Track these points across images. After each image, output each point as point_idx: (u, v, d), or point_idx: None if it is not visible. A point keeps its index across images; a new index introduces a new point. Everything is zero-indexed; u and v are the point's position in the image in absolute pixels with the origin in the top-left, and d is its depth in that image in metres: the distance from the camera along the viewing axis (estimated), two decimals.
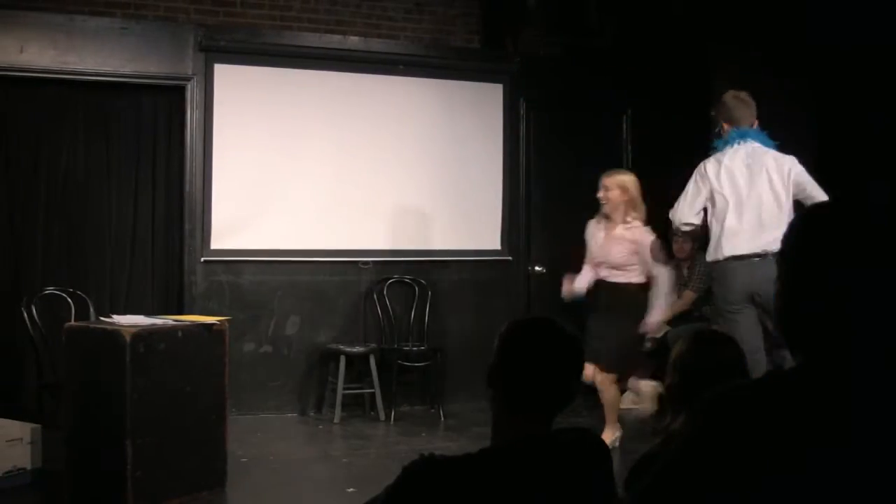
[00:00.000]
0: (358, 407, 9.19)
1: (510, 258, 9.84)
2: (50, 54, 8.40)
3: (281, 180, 9.06)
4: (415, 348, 9.26)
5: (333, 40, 9.40)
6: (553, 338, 2.74)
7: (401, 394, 9.28)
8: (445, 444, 7.97)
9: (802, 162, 6.79)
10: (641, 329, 7.71)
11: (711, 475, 1.86)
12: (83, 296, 8.00)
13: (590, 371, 7.29)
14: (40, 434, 6.67)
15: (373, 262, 9.39)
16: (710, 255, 6.96)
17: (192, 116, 8.84)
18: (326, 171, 9.20)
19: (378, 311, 9.36)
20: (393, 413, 8.99)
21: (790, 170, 6.72)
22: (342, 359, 8.85)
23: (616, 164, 10.22)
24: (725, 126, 6.99)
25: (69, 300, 7.96)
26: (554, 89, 10.06)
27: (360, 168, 9.29)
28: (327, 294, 9.26)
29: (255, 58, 9.04)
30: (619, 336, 7.57)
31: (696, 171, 7.03)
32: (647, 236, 7.65)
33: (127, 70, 8.66)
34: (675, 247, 9.59)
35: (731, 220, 6.74)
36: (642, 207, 7.74)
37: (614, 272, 7.73)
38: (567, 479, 2.63)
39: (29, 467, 6.55)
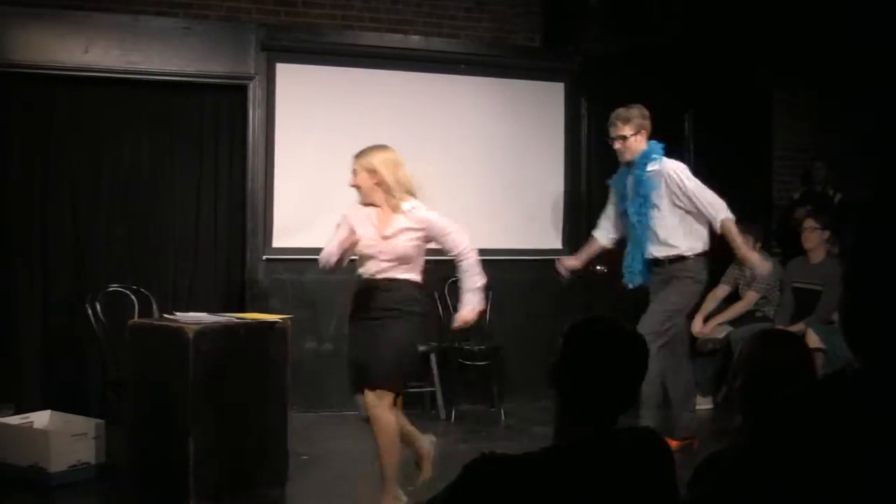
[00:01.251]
0: (418, 406, 9.18)
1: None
2: (114, 54, 8.48)
3: (342, 179, 8.99)
4: (476, 347, 9.24)
5: (394, 39, 9.41)
6: (616, 337, 2.73)
7: (461, 393, 9.28)
8: (506, 443, 7.94)
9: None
10: (456, 322, 6.39)
11: (776, 477, 1.84)
12: (146, 293, 8.05)
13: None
14: (104, 429, 6.73)
15: (434, 260, 9.37)
16: (703, 246, 7.60)
17: (254, 115, 8.89)
18: None
19: (439, 309, 9.35)
20: (453, 412, 8.99)
21: None
22: None
23: None
24: (645, 137, 7.75)
25: (133, 297, 8.02)
26: (615, 88, 9.98)
27: (422, 167, 9.24)
28: None
29: (316, 57, 9.07)
30: (396, 344, 5.96)
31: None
32: (433, 215, 6.40)
33: (190, 70, 8.72)
34: None
35: None
36: (410, 187, 6.46)
37: (396, 267, 6.21)
38: (629, 479, 2.62)
39: (93, 462, 6.61)
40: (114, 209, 8.74)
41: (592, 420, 2.68)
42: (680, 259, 7.55)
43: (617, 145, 7.75)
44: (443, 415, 8.95)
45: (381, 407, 5.85)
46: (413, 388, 8.88)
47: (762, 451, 1.88)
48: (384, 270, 6.14)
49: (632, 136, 7.67)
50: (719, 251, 9.52)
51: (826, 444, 1.77)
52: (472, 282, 6.34)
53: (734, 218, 7.43)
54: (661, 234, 7.55)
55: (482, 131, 9.43)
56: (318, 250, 8.90)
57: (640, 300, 9.46)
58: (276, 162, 8.91)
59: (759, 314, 9.37)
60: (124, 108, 8.78)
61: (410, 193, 6.41)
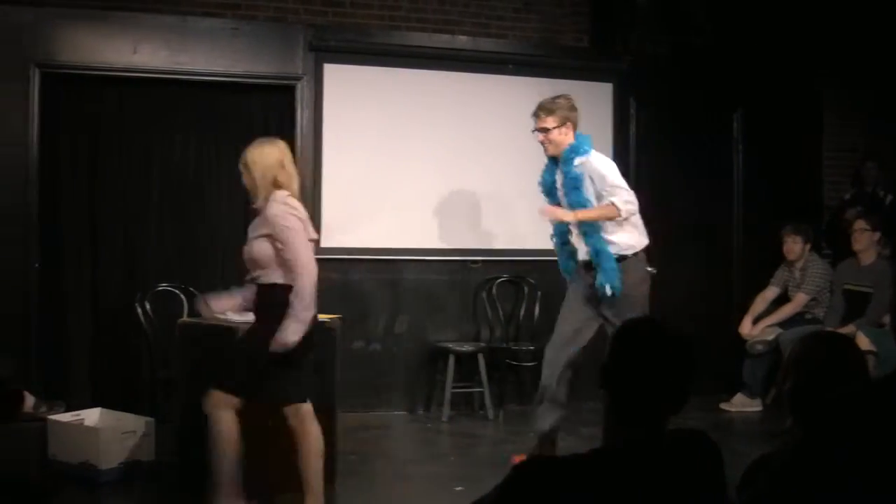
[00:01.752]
0: (466, 406, 9.19)
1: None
2: (162, 55, 8.53)
3: (390, 179, 9.09)
4: (523, 347, 9.23)
5: (442, 40, 9.41)
6: (665, 339, 2.71)
7: (509, 393, 9.28)
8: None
9: None
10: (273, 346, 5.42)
11: (828, 479, 1.83)
12: (196, 292, 8.09)
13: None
14: (154, 427, 6.78)
15: (482, 261, 9.38)
16: (639, 243, 7.03)
17: (301, 116, 8.91)
18: (435, 171, 9.22)
19: (487, 310, 9.35)
20: (501, 412, 8.98)
21: None
22: (451, 357, 8.86)
23: (726, 164, 10.16)
24: (572, 130, 7.15)
25: (182, 296, 8.07)
26: (664, 88, 9.96)
27: (469, 167, 9.28)
28: (436, 293, 9.28)
29: (364, 57, 9.08)
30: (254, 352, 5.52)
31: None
32: (275, 209, 5.57)
33: (238, 70, 8.76)
34: (784, 247, 9.45)
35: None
36: (289, 183, 5.75)
37: (260, 272, 5.63)
38: (679, 481, 2.61)
39: (143, 459, 6.66)
40: (162, 209, 8.80)
41: (643, 421, 2.67)
42: (620, 259, 6.88)
43: (539, 138, 7.16)
44: (491, 415, 8.93)
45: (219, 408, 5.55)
46: (460, 388, 8.88)
47: (814, 453, 1.86)
48: (250, 273, 5.72)
49: (555, 128, 7.04)
50: (770, 253, 9.50)
51: (878, 445, 1.75)
52: (295, 309, 5.41)
53: (620, 210, 6.68)
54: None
55: (530, 132, 9.41)
56: (366, 250, 9.01)
57: (690, 300, 9.45)
58: (324, 162, 8.94)
59: (808, 316, 9.29)
60: (172, 109, 8.83)
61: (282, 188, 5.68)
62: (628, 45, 9.98)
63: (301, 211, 5.63)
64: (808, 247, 9.38)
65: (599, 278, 6.82)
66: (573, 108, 7.16)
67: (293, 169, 5.81)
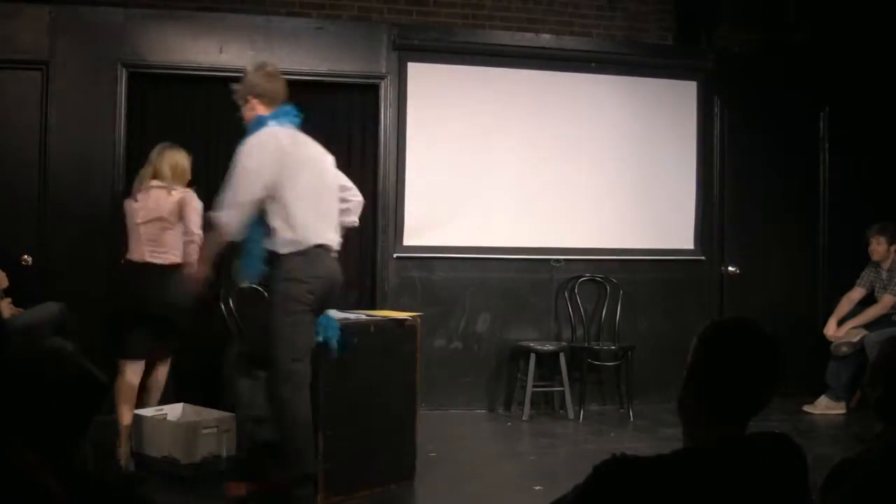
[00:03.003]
0: (547, 405, 9.17)
1: (703, 258, 9.68)
2: (248, 54, 8.59)
3: (473, 178, 9.09)
4: (605, 347, 9.19)
5: (526, 38, 9.40)
6: (753, 340, 2.68)
7: (590, 392, 9.23)
8: (634, 444, 7.88)
9: None
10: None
11: None
12: None
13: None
14: (234, 423, 6.83)
15: (564, 260, 9.36)
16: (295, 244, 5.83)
17: (385, 114, 8.95)
18: (518, 169, 9.22)
19: (569, 309, 9.32)
20: (582, 412, 8.94)
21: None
22: (532, 356, 8.84)
23: (812, 164, 10.05)
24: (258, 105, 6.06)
25: (265, 294, 8.11)
26: (749, 87, 9.86)
27: (552, 166, 9.27)
28: (518, 291, 9.27)
29: (447, 56, 9.11)
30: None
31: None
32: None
33: (322, 69, 8.82)
34: (870, 248, 9.32)
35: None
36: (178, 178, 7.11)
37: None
38: (761, 484, 2.58)
39: (224, 455, 6.72)
40: None
41: (725, 422, 2.65)
42: (276, 257, 5.87)
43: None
44: (571, 414, 8.90)
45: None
46: (541, 387, 8.87)
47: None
48: None
49: (244, 104, 6.11)
50: (857, 254, 9.37)
51: None
52: None
53: (217, 220, 5.85)
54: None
55: (614, 130, 9.38)
56: (448, 248, 9.03)
57: (775, 301, 9.37)
58: (408, 160, 8.97)
59: (895, 318, 9.14)
60: None
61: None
62: (713, 43, 9.90)
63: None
64: (893, 248, 9.23)
65: None
66: (267, 79, 6.16)
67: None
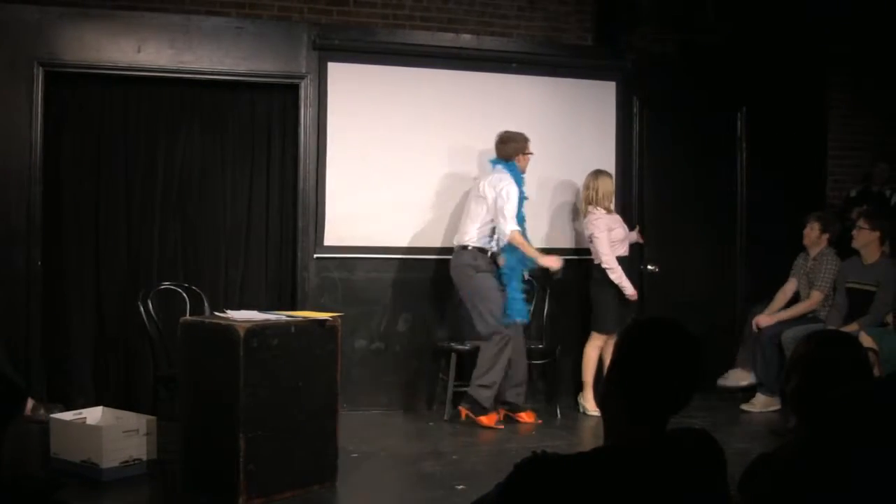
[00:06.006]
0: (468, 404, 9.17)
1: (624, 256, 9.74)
2: (167, 54, 8.54)
3: (393, 177, 9.09)
4: (532, 346, 9.18)
5: (446, 38, 9.41)
6: (674, 339, 2.71)
7: None
8: (557, 442, 7.92)
9: None
10: None
11: (832, 477, 1.83)
12: (198, 291, 8.11)
13: None
14: (156, 426, 6.77)
15: (584, 259, 9.35)
16: None
17: (305, 114, 8.91)
18: (438, 169, 9.22)
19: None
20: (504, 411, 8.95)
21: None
22: (453, 356, 8.85)
23: (730, 163, 10.16)
24: None
25: (184, 295, 8.07)
26: (667, 87, 9.96)
27: (472, 166, 9.28)
28: (439, 291, 9.26)
29: (367, 56, 9.09)
30: None
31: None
32: None
33: (242, 69, 8.77)
34: (804, 233, 9.40)
35: None
36: None
37: None
38: (681, 480, 2.61)
39: (145, 458, 6.65)
40: (166, 208, 8.81)
41: (646, 420, 2.67)
42: None
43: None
44: None
45: None
46: (463, 386, 8.86)
47: (817, 452, 1.87)
48: None
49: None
50: (774, 250, 9.51)
51: (881, 444, 1.76)
52: None
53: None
54: None
55: (533, 130, 9.38)
56: (369, 248, 9.04)
57: (694, 298, 9.47)
58: (328, 160, 8.94)
59: (810, 315, 9.26)
60: (177, 108, 8.86)
61: None
62: (632, 44, 9.99)
63: None
64: (824, 237, 9.30)
65: None
66: None
67: None
